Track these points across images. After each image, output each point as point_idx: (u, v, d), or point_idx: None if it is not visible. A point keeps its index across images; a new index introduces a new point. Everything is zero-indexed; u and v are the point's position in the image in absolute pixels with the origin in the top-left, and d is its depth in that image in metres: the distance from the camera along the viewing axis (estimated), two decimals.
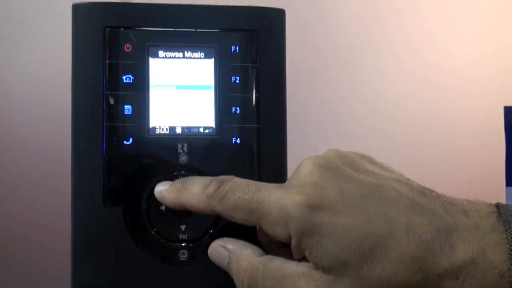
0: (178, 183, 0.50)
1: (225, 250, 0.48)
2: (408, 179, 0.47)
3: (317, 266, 0.44)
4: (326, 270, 0.43)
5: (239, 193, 0.46)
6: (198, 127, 0.53)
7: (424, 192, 0.45)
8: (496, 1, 0.82)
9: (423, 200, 0.44)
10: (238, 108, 0.53)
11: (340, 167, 0.46)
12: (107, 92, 0.52)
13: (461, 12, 0.81)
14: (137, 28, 0.53)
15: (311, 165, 0.45)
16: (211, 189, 0.47)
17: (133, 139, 0.52)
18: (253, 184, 0.47)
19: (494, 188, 0.68)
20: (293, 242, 0.44)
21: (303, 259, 0.45)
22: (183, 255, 0.52)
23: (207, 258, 0.51)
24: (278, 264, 0.46)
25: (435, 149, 0.79)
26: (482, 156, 0.78)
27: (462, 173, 0.79)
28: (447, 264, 0.42)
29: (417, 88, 0.79)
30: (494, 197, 0.67)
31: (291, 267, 0.45)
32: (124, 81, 0.52)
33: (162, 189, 0.50)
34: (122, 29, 0.52)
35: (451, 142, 0.79)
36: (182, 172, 0.52)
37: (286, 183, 0.47)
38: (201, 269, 0.52)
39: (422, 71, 0.79)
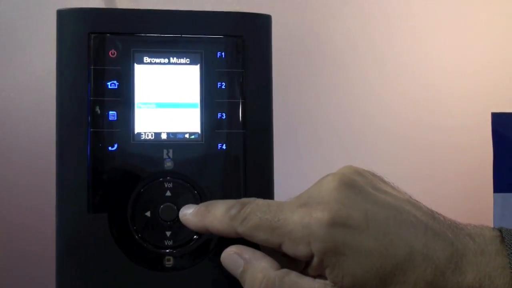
0: (202, 206, 0.50)
1: (240, 259, 0.48)
2: (416, 200, 0.47)
3: (335, 285, 0.44)
4: None
5: (261, 213, 0.46)
6: (184, 133, 0.53)
7: (433, 215, 0.46)
8: (483, 9, 0.82)
9: (435, 225, 0.45)
10: (224, 114, 0.53)
11: (364, 187, 0.45)
12: (92, 98, 0.51)
13: (448, 19, 0.81)
14: (122, 34, 0.52)
15: (336, 182, 0.45)
16: (233, 211, 0.47)
17: (118, 145, 0.52)
18: (274, 204, 0.46)
19: (482, 194, 0.68)
20: (315, 260, 0.44)
21: (319, 276, 0.45)
22: (169, 262, 0.51)
23: (193, 264, 0.51)
24: (294, 280, 0.45)
25: (423, 155, 0.79)
26: (470, 162, 0.78)
27: (451, 179, 0.79)
28: None
29: (404, 95, 0.79)
30: (482, 204, 0.68)
31: (308, 284, 0.45)
32: (109, 87, 0.52)
33: (187, 213, 0.50)
34: (107, 35, 0.52)
35: (439, 149, 0.79)
36: (168, 178, 0.52)
37: (307, 198, 0.46)
38: (186, 276, 0.51)
39: (410, 78, 0.80)
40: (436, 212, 0.46)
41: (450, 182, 0.78)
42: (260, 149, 0.53)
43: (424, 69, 0.80)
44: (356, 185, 0.45)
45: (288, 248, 0.45)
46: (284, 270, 0.46)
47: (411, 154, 0.78)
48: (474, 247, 0.44)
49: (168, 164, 0.52)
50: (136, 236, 0.51)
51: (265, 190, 0.53)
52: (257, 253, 0.48)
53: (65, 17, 0.52)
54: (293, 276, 0.45)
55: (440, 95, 0.80)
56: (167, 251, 0.51)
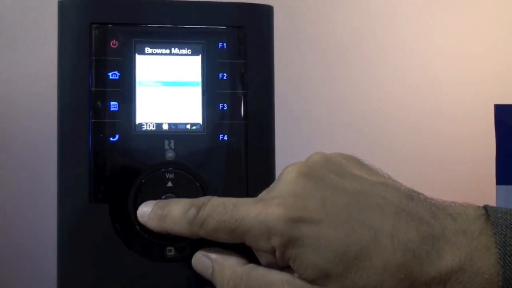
0: (158, 208, 0.49)
1: (208, 260, 0.48)
2: (395, 181, 0.46)
3: (301, 277, 0.43)
4: (310, 281, 0.43)
5: (217, 215, 0.46)
6: (185, 124, 0.53)
7: (412, 195, 0.44)
8: (486, 1, 0.82)
9: (411, 205, 0.43)
10: (225, 105, 0.53)
11: (324, 175, 0.45)
12: (93, 89, 0.52)
13: (451, 10, 0.81)
14: (123, 25, 0.53)
15: (294, 173, 0.45)
16: (190, 215, 0.47)
17: (119, 136, 0.52)
18: (230, 203, 0.46)
19: (485, 186, 0.68)
20: (277, 254, 0.44)
21: (287, 267, 0.45)
22: (170, 252, 0.51)
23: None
24: (262, 273, 0.45)
25: (426, 147, 0.79)
26: (473, 154, 0.78)
27: (454, 171, 0.79)
28: (434, 271, 0.41)
29: (406, 86, 0.79)
30: (485, 195, 0.68)
31: (275, 276, 0.45)
32: (110, 77, 0.52)
33: (144, 214, 0.49)
34: (108, 25, 0.52)
35: (442, 141, 0.79)
36: (169, 168, 0.52)
37: (266, 193, 0.46)
38: (187, 266, 0.51)
39: (412, 69, 0.80)
40: (418, 193, 0.45)
41: (453, 174, 0.79)
42: (262, 140, 0.54)
43: (427, 60, 0.80)
44: (315, 174, 0.45)
45: (251, 244, 0.45)
46: (251, 265, 0.46)
47: (413, 146, 0.79)
48: (454, 227, 0.42)
49: (170, 155, 0.52)
50: (137, 227, 0.51)
51: (267, 180, 0.53)
52: (224, 252, 0.48)
53: (66, 7, 0.53)
54: (260, 270, 0.45)
55: (443, 87, 0.80)
56: (168, 241, 0.51)
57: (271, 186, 0.47)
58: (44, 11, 0.66)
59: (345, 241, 0.42)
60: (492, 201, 0.64)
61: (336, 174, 0.45)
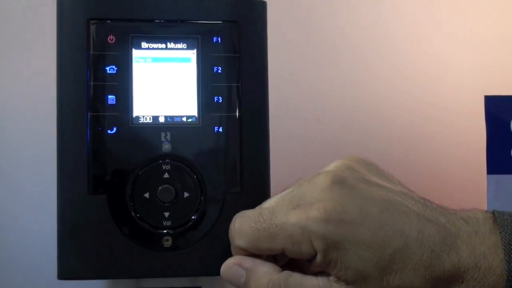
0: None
1: (241, 269, 0.48)
2: (409, 190, 0.49)
3: (339, 279, 0.46)
4: (349, 283, 0.46)
5: (255, 223, 0.47)
6: (181, 116, 0.54)
7: (425, 203, 0.48)
8: None
9: (427, 212, 0.47)
10: (220, 98, 0.54)
11: (356, 184, 0.47)
12: (91, 83, 0.53)
13: (440, 3, 0.82)
14: (120, 20, 0.53)
15: (328, 181, 0.47)
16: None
17: (117, 128, 0.53)
18: (266, 211, 0.48)
19: (476, 176, 0.69)
20: (318, 257, 0.46)
21: (320, 273, 0.47)
22: (167, 242, 0.52)
23: (191, 244, 0.53)
24: (299, 279, 0.47)
25: (417, 139, 0.80)
26: (464, 145, 0.79)
27: (445, 161, 0.80)
28: (453, 269, 0.45)
29: (395, 78, 0.80)
30: (477, 184, 0.69)
31: (312, 281, 0.47)
32: (108, 71, 0.53)
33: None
34: (105, 21, 0.53)
35: (433, 132, 0.80)
36: (166, 160, 0.53)
37: (300, 199, 0.47)
38: (184, 256, 0.53)
39: (401, 61, 0.80)
40: (428, 200, 0.48)
41: (445, 164, 0.79)
42: (256, 132, 0.55)
43: (417, 55, 0.80)
44: (348, 182, 0.47)
45: (292, 251, 0.46)
46: (287, 272, 0.47)
47: (403, 139, 0.79)
48: (468, 229, 0.46)
49: (166, 147, 0.53)
50: (135, 217, 0.52)
51: (261, 172, 0.55)
52: (257, 261, 0.48)
53: (65, 4, 0.53)
54: (297, 276, 0.47)
55: (433, 79, 0.80)
56: (165, 231, 0.52)
57: (300, 192, 0.48)
58: (43, 7, 0.67)
59: (381, 245, 0.45)
60: (483, 190, 0.66)
61: (363, 183, 0.48)
